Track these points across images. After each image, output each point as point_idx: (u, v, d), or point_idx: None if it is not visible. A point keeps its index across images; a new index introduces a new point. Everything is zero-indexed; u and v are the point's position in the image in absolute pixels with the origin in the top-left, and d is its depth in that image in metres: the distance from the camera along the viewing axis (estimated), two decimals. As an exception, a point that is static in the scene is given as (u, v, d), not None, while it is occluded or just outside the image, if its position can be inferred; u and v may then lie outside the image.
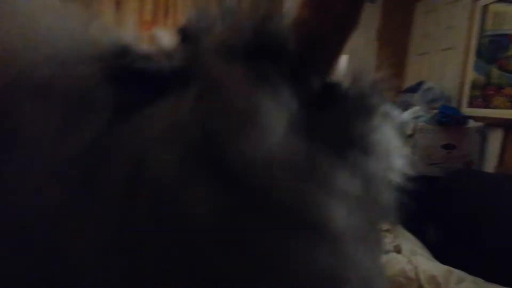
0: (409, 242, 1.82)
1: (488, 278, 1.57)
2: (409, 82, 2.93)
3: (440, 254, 1.80)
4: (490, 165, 2.19)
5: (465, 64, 2.47)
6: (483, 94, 2.29)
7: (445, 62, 2.70)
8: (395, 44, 3.04)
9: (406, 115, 2.31)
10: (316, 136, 0.29)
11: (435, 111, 2.27)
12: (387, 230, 1.79)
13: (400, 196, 0.41)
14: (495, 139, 2.18)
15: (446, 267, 1.59)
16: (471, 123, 2.27)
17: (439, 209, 2.03)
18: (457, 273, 1.55)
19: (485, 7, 2.32)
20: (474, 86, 2.37)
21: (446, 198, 2.06)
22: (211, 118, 0.26)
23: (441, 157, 2.23)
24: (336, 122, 0.31)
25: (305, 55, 0.32)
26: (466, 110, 2.39)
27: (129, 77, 0.27)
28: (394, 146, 0.35)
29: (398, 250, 1.75)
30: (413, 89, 2.56)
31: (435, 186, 2.11)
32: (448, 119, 2.21)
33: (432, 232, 1.99)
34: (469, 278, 1.54)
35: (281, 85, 0.29)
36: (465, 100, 2.43)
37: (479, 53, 2.35)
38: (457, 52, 2.56)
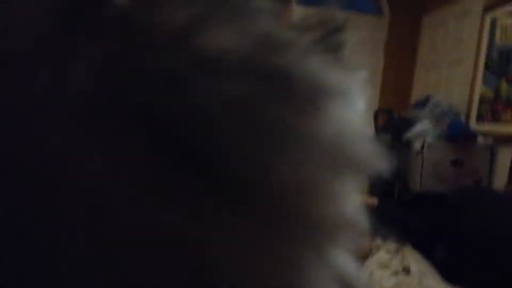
0: (418, 263, 1.80)
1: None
2: (416, 96, 2.92)
3: (448, 274, 1.78)
4: (499, 183, 2.16)
5: (473, 78, 2.45)
6: (492, 108, 2.27)
7: (453, 76, 2.68)
8: (402, 57, 3.03)
9: (415, 130, 2.29)
10: None
11: (444, 126, 2.25)
12: (396, 251, 1.77)
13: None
14: (505, 156, 2.15)
15: (456, 289, 1.57)
16: (480, 139, 2.25)
17: (447, 227, 2.00)
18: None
19: (495, 21, 2.31)
20: (483, 100, 2.35)
21: (454, 215, 2.03)
22: None
23: (450, 173, 2.21)
24: None
25: None
26: (475, 125, 2.36)
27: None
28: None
29: (407, 271, 1.73)
30: (421, 104, 2.54)
31: (443, 203, 2.09)
32: (457, 134, 2.19)
33: (440, 250, 1.97)
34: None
35: None
36: (473, 115, 2.40)
37: (488, 67, 2.33)
38: (466, 66, 2.54)
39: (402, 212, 1.89)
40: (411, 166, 2.27)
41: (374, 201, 1.86)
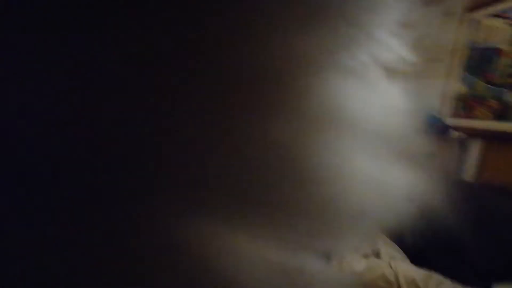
0: (387, 246, 1.82)
1: (465, 284, 1.58)
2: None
3: (416, 259, 1.82)
4: (469, 175, 2.22)
5: (450, 75, 2.52)
6: (466, 105, 2.33)
7: (430, 72, 2.74)
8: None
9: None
10: None
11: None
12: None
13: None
14: (475, 150, 2.21)
15: (424, 271, 1.60)
16: (453, 133, 2.30)
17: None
18: (436, 277, 1.56)
19: (474, 20, 2.37)
20: (458, 97, 2.41)
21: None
22: None
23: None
24: None
25: None
26: (449, 120, 2.42)
27: None
28: None
29: (377, 254, 1.75)
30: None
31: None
32: (432, 128, 2.23)
33: (410, 237, 2.01)
34: (447, 281, 1.55)
35: None
36: (448, 110, 2.47)
37: (465, 65, 2.39)
38: (443, 63, 2.61)
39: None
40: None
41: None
